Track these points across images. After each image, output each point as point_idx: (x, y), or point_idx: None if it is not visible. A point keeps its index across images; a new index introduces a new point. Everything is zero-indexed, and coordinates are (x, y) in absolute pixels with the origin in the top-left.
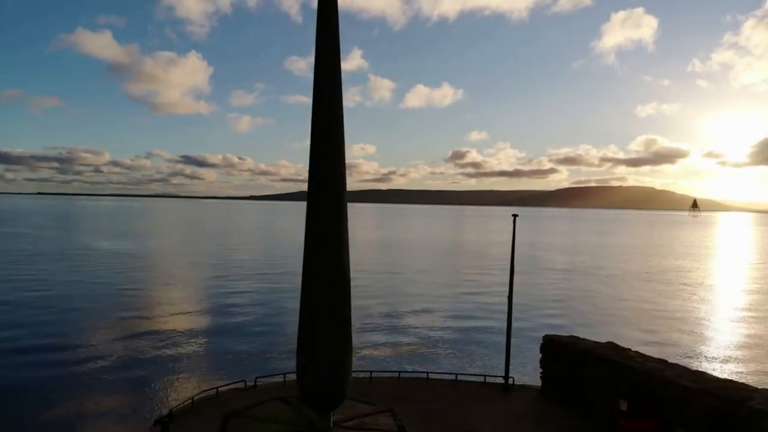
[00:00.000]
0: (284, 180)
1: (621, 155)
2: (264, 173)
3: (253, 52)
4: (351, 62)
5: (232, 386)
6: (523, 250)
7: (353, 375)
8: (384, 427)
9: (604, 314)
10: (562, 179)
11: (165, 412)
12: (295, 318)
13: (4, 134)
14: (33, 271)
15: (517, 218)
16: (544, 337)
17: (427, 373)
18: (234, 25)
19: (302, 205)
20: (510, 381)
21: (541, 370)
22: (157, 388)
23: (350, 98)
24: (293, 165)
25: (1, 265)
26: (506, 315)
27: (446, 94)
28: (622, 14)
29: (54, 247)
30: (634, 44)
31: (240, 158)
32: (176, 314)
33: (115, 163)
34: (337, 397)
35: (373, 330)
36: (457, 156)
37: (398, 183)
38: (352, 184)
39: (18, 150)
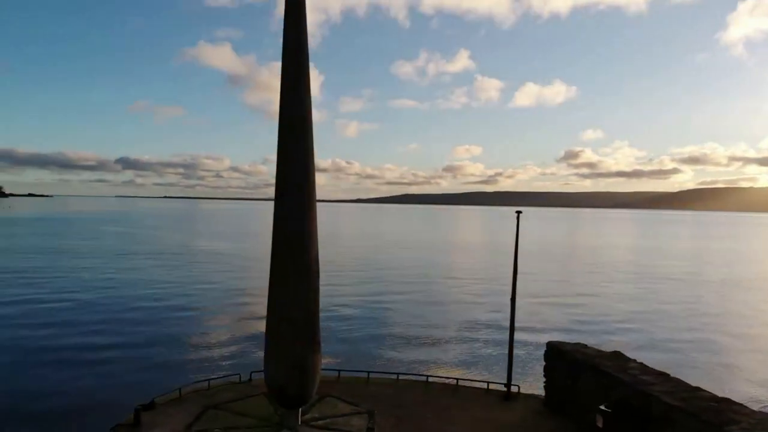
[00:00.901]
0: (389, 183)
1: (752, 153)
2: (370, 177)
3: (361, 59)
4: (457, 64)
5: (229, 379)
6: (630, 255)
7: (350, 374)
8: (354, 428)
9: (691, 326)
10: (686, 180)
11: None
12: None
13: (134, 142)
14: (159, 268)
15: (521, 215)
16: (547, 343)
17: (427, 376)
18: (344, 33)
19: (407, 208)
20: (516, 389)
21: (544, 379)
22: None
23: (455, 100)
24: (398, 168)
25: (135, 262)
26: (510, 320)
27: (558, 92)
28: (750, 2)
29: (180, 246)
30: (764, 34)
31: (348, 162)
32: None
33: (234, 169)
34: (300, 396)
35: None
36: (570, 156)
37: (505, 185)
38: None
39: (147, 157)
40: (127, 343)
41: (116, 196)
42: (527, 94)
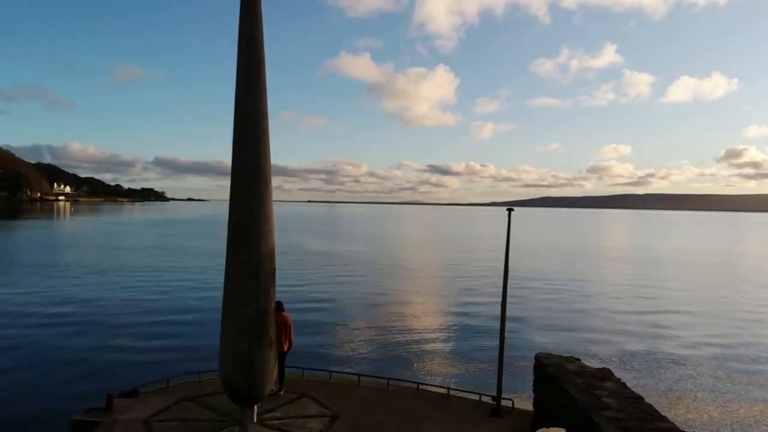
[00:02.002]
0: (526, 185)
1: None
2: (505, 179)
3: (498, 59)
4: (602, 59)
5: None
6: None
7: (343, 375)
8: (307, 430)
9: None
10: None
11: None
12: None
13: (282, 151)
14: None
15: (512, 213)
16: (536, 355)
17: (418, 384)
18: (480, 34)
19: (545, 211)
20: (510, 404)
21: (533, 396)
22: None
23: (601, 96)
24: (536, 169)
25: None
26: (500, 328)
27: (717, 85)
28: None
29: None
30: None
31: (482, 165)
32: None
33: (371, 174)
34: (248, 393)
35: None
36: (732, 155)
37: (657, 187)
38: (602, 188)
39: (293, 164)
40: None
41: None
42: (681, 89)
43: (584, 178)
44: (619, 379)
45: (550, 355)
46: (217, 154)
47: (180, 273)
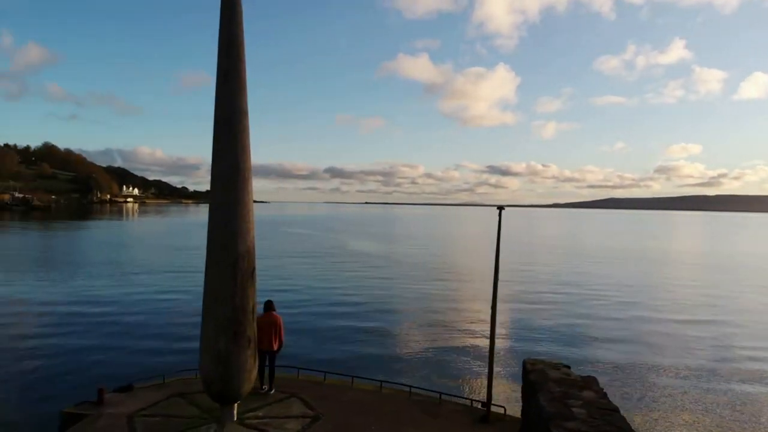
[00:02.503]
0: (590, 186)
1: None
2: (569, 180)
3: (560, 57)
4: (670, 55)
5: None
6: None
7: (338, 377)
8: (285, 430)
9: None
10: None
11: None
12: None
13: (340, 153)
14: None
15: (503, 211)
16: (523, 361)
17: (410, 387)
18: (542, 32)
19: (611, 213)
20: (502, 410)
21: (521, 403)
22: None
23: (669, 94)
24: (601, 170)
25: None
26: (490, 331)
27: None
28: None
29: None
30: None
31: (544, 165)
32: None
33: (428, 175)
34: (224, 392)
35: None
36: None
37: (729, 188)
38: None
39: (350, 166)
40: None
41: (324, 202)
42: (755, 85)
43: (651, 179)
44: (602, 390)
45: (536, 361)
46: (278, 156)
47: None
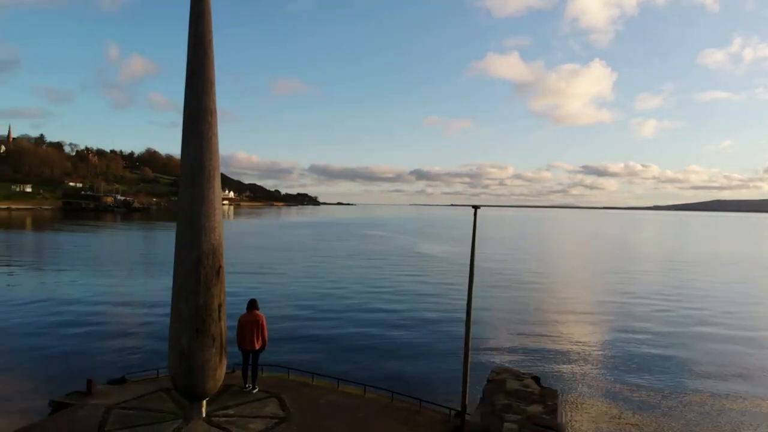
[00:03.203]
0: (694, 188)
1: None
2: (670, 180)
3: (660, 52)
4: None
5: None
6: None
7: (326, 379)
8: (247, 430)
9: None
10: None
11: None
12: None
13: (426, 156)
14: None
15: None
16: (492, 370)
17: (392, 392)
18: (640, 26)
19: (717, 216)
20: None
21: None
22: None
23: None
24: (706, 170)
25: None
26: (465, 336)
27: None
28: None
29: (405, 249)
30: None
31: (644, 165)
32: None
33: (517, 176)
34: (189, 389)
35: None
36: None
37: None
38: None
39: (436, 168)
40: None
41: (410, 204)
42: None
43: (762, 179)
44: (555, 405)
45: (502, 370)
46: (364, 160)
47: (278, 271)
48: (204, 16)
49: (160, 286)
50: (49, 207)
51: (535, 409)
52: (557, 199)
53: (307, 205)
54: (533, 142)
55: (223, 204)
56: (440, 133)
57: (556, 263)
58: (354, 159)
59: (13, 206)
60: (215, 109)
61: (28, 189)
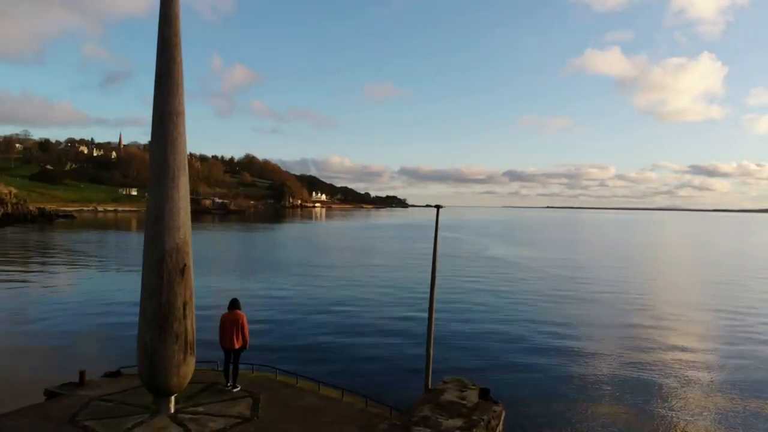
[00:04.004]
0: None
1: None
2: None
3: None
4: None
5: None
6: None
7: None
8: (205, 428)
9: None
10: None
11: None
12: None
13: (520, 156)
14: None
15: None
16: (442, 379)
17: (366, 399)
18: (753, 16)
19: None
20: None
21: None
22: None
23: None
24: None
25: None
26: (427, 338)
27: None
28: None
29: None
30: None
31: (758, 165)
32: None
33: (619, 177)
34: (152, 384)
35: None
36: None
37: None
38: None
39: (531, 169)
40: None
41: (503, 207)
42: None
43: None
44: (480, 420)
45: (451, 380)
46: (455, 161)
47: (360, 275)
48: (171, 19)
49: (222, 285)
50: None
51: (453, 423)
52: (663, 201)
53: (395, 207)
54: (636, 141)
55: (315, 206)
56: (536, 132)
57: (649, 270)
58: (444, 161)
59: (120, 208)
60: (182, 111)
61: (134, 192)
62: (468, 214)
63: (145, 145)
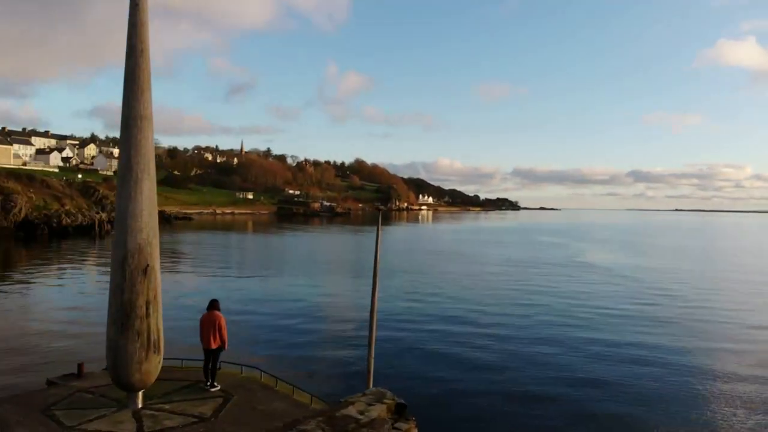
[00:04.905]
0: None
1: None
2: None
3: None
4: None
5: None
6: None
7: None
8: (161, 424)
9: None
10: None
11: None
12: None
13: (646, 155)
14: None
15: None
16: (364, 392)
17: (330, 404)
18: None
19: None
20: None
21: None
22: None
23: None
24: None
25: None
26: (369, 336)
27: None
28: None
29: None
30: None
31: None
32: None
33: (757, 177)
34: (117, 380)
35: None
36: None
37: None
38: None
39: (658, 169)
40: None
41: (626, 209)
42: None
43: None
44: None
45: (372, 391)
46: (574, 162)
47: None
48: (138, 27)
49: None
50: (266, 212)
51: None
52: None
53: (505, 210)
54: None
55: (421, 209)
56: (663, 130)
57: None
58: (562, 161)
59: (236, 211)
60: (147, 115)
61: (250, 196)
62: (587, 217)
63: (264, 152)
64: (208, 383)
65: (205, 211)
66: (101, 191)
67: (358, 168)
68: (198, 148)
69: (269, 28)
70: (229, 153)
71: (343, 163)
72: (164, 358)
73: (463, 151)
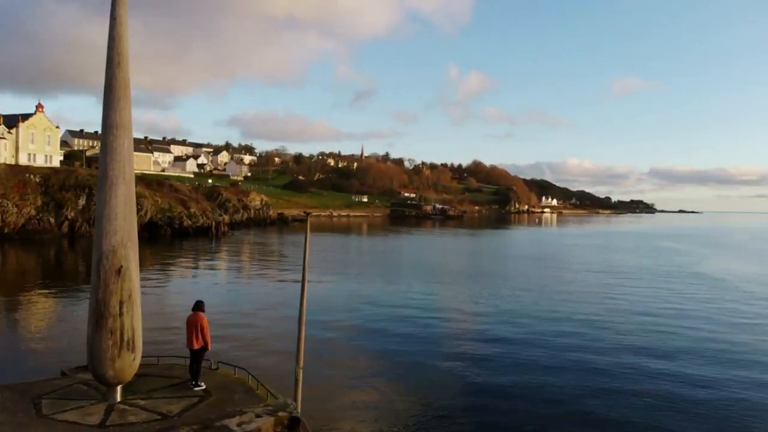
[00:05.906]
0: None
1: None
2: None
3: None
4: None
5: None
6: None
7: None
8: (126, 420)
9: None
10: None
11: None
12: None
13: None
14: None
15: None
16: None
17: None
18: None
19: None
20: None
21: None
22: None
23: None
24: None
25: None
26: (298, 331)
27: None
28: None
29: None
30: None
31: None
32: None
33: None
34: (94, 375)
35: None
36: None
37: None
38: None
39: None
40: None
41: None
42: None
43: None
44: None
45: (277, 404)
46: (719, 161)
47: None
48: (116, 40)
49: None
50: (380, 214)
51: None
52: None
53: (639, 213)
54: None
55: (544, 211)
56: None
57: None
58: (706, 160)
59: (352, 213)
60: (123, 123)
61: (365, 199)
62: (731, 221)
63: (383, 156)
64: (193, 382)
65: (323, 213)
66: (224, 195)
67: (476, 170)
68: (322, 153)
69: (391, 33)
70: (350, 158)
71: (460, 165)
72: (169, 356)
73: (593, 150)
